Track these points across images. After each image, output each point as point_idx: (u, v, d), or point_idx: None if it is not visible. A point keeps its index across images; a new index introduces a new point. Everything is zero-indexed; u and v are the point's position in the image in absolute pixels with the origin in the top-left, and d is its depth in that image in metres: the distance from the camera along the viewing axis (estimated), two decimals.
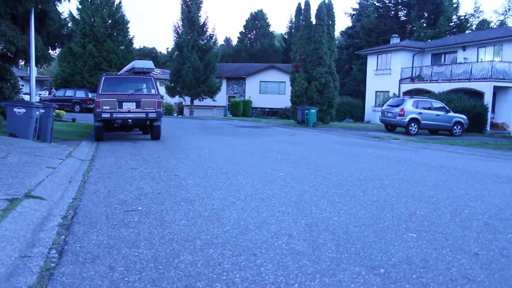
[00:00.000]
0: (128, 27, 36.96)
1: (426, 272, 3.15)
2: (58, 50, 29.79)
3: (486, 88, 25.91)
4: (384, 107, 23.23)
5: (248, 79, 44.36)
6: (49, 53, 14.32)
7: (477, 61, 27.84)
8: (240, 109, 39.85)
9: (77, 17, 35.14)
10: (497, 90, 26.61)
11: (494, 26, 48.20)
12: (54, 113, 11.72)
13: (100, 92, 12.02)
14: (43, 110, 10.62)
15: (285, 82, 40.78)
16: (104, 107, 11.72)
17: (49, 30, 13.04)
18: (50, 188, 5.26)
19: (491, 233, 4.23)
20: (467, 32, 42.23)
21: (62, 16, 13.78)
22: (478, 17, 49.99)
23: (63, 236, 3.67)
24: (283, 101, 39.28)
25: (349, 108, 36.86)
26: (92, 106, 21.55)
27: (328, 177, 7.16)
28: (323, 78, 25.09)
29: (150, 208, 4.71)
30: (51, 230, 3.81)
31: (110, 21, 35.90)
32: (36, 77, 13.24)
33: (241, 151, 10.58)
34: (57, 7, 13.25)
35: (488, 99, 25.68)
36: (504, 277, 3.13)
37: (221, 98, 42.81)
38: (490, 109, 25.56)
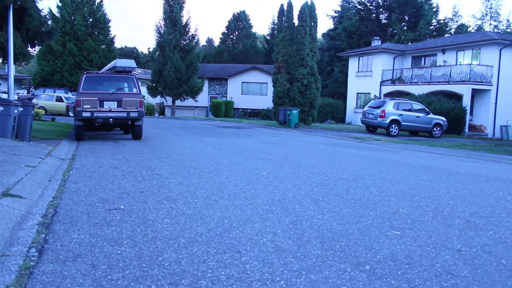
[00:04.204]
0: (109, 26, 36.53)
1: (411, 268, 3.16)
2: (37, 48, 29.25)
3: (465, 91, 26.39)
4: (365, 108, 23.45)
5: (230, 79, 44.32)
6: (28, 50, 14.04)
7: (456, 64, 28.32)
8: (222, 109, 39.77)
9: (57, 15, 34.55)
10: (475, 93, 27.13)
11: (472, 31, 49.14)
12: (33, 112, 11.50)
13: (80, 91, 11.83)
14: (21, 109, 10.39)
15: (267, 83, 40.89)
16: (84, 106, 11.55)
17: (28, 27, 12.78)
18: (29, 187, 5.15)
19: (473, 230, 4.28)
20: (446, 35, 42.93)
21: (41, 13, 13.52)
22: (457, 21, 51.03)
23: (43, 235, 3.58)
24: (265, 102, 39.36)
25: (330, 109, 37.12)
26: (73, 105, 21.24)
27: (311, 176, 7.17)
28: (305, 79, 25.19)
29: (133, 207, 4.64)
30: (30, 229, 3.71)
31: (91, 20, 35.43)
32: (14, 76, 12.97)
33: (224, 151, 10.54)
34: (36, 3, 12.98)
35: (466, 102, 26.16)
36: (487, 272, 3.17)
37: (203, 98, 42.70)
38: (468, 111, 26.05)
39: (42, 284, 2.68)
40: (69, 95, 29.52)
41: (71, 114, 25.26)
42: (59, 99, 27.50)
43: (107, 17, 36.29)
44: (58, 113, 26.36)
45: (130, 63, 13.07)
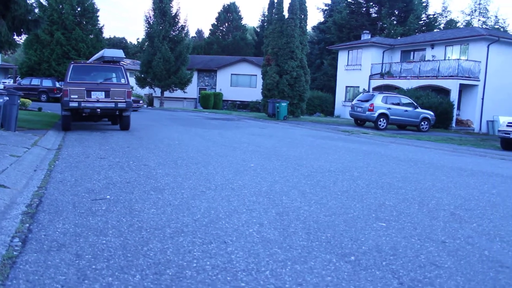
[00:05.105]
0: (98, 16, 36.08)
1: (396, 259, 3.19)
2: (24, 37, 28.84)
3: (453, 86, 26.57)
4: (354, 102, 23.50)
5: (219, 71, 44.11)
6: (14, 39, 13.82)
7: (445, 59, 28.47)
8: (211, 101, 39.58)
9: (44, 3, 34.03)
10: (462, 88, 27.33)
11: (461, 26, 49.43)
12: (19, 101, 11.33)
13: (68, 81, 11.69)
14: (7, 98, 10.23)
15: (256, 75, 40.77)
16: (72, 96, 11.41)
17: (14, 15, 12.55)
18: (14, 177, 5.09)
19: (457, 222, 4.33)
20: (435, 30, 43.12)
21: (28, 1, 13.30)
22: (446, 16, 51.21)
23: (27, 225, 3.55)
24: (254, 94, 39.26)
25: (319, 102, 37.15)
26: (60, 95, 21.01)
27: (299, 168, 7.19)
28: (294, 72, 25.17)
29: (119, 197, 4.61)
30: (14, 219, 3.67)
31: (79, 9, 34.95)
32: (0, 65, 12.77)
33: (212, 142, 10.51)
34: None
35: (454, 96, 26.34)
36: (470, 263, 3.21)
37: (192, 90, 42.44)
38: (456, 106, 26.24)
39: (25, 273, 2.65)
40: None
41: None
42: None
43: (95, 6, 35.86)
44: None
45: (119, 53, 12.94)
